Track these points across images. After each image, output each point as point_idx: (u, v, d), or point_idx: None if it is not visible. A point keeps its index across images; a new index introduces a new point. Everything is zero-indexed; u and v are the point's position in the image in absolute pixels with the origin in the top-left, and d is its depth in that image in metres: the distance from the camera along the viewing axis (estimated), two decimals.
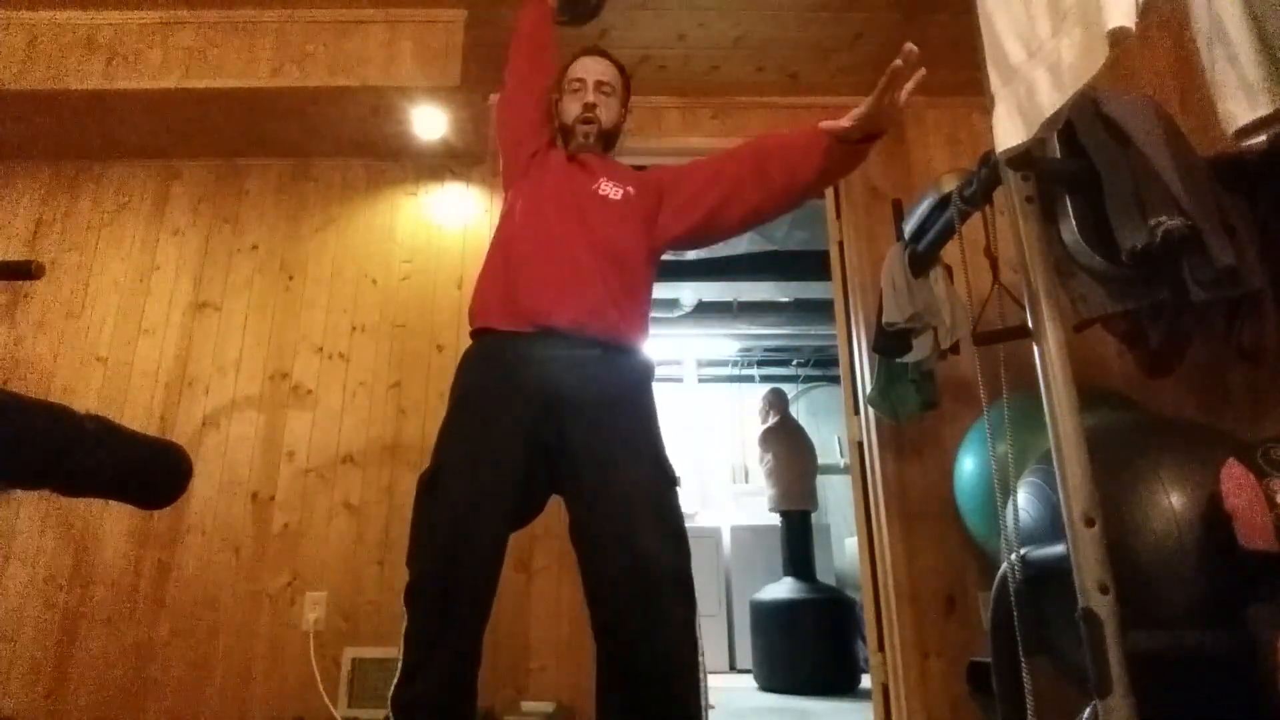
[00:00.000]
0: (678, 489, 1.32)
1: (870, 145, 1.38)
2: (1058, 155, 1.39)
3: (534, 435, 1.29)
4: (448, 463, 1.29)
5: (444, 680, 1.19)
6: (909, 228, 2.06)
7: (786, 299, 4.98)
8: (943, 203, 1.83)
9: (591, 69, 1.53)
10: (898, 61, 1.21)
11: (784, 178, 1.39)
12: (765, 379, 6.35)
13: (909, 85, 1.27)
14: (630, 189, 1.47)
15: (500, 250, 1.45)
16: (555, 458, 1.30)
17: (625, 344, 1.37)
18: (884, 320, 2.05)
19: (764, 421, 4.68)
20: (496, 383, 1.32)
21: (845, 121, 1.33)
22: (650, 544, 1.21)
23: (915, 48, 1.19)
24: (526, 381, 1.30)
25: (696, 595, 1.26)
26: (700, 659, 1.23)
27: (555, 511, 1.47)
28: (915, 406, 2.15)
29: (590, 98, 1.50)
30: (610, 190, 1.45)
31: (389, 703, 1.19)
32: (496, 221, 2.55)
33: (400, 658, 1.21)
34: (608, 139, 1.54)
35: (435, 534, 1.24)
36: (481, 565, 1.23)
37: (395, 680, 1.20)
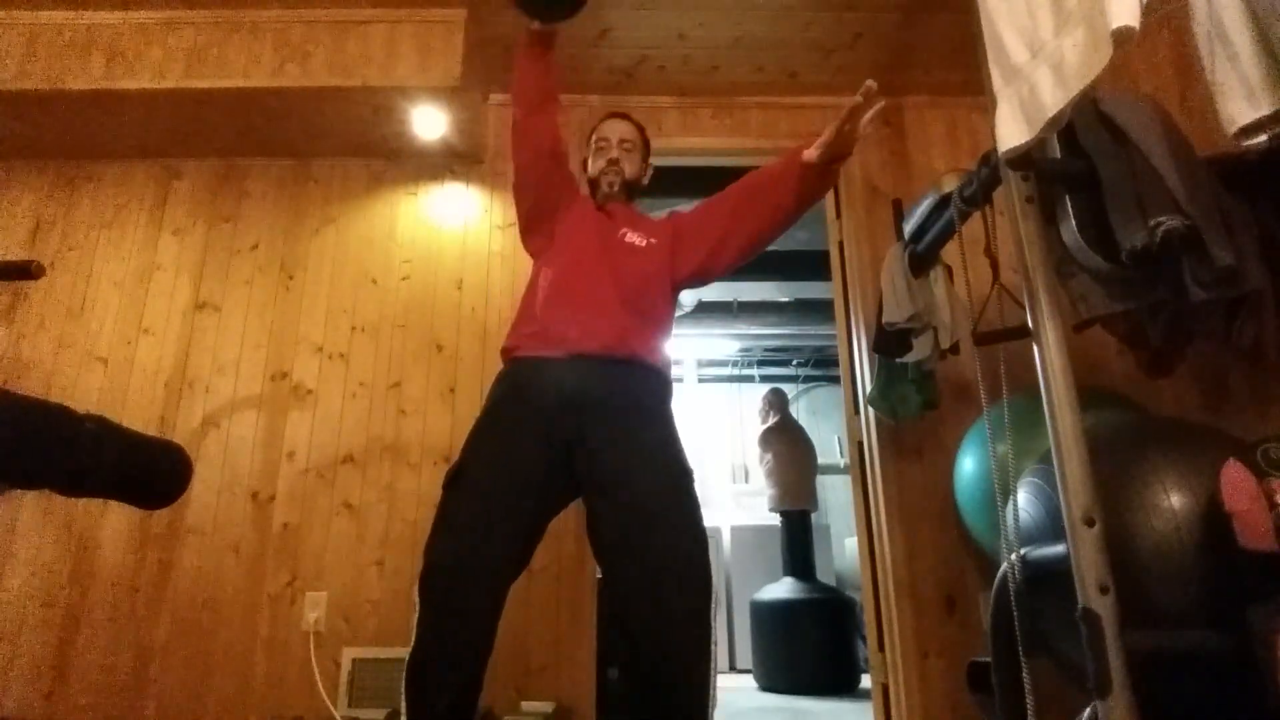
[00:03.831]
0: (691, 478, 1.39)
1: (839, 166, 1.52)
2: (1058, 155, 1.39)
3: (555, 434, 1.37)
4: (471, 459, 1.37)
5: (452, 669, 1.24)
6: (909, 228, 2.06)
7: (786, 299, 4.98)
8: (943, 203, 1.83)
9: (615, 129, 1.72)
10: (858, 98, 1.36)
11: (769, 207, 1.54)
12: (765, 379, 6.35)
13: (869, 115, 1.40)
14: (653, 240, 1.61)
15: (534, 293, 1.56)
16: (575, 456, 1.37)
17: (646, 361, 1.48)
18: (884, 320, 2.06)
19: (764, 421, 4.68)
20: (523, 391, 1.43)
21: (813, 152, 1.46)
22: (666, 536, 1.27)
23: (874, 84, 1.34)
24: (550, 387, 1.40)
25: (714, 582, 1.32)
26: (713, 648, 1.26)
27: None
28: (915, 406, 2.15)
29: (614, 154, 1.68)
30: (635, 239, 1.60)
31: (404, 682, 1.25)
32: (496, 221, 2.59)
33: (411, 642, 1.26)
34: (630, 189, 1.70)
35: (453, 525, 1.31)
36: (497, 557, 1.29)
37: (407, 662, 1.25)
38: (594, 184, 1.70)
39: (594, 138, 1.73)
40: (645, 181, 1.75)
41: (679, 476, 1.37)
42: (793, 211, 1.53)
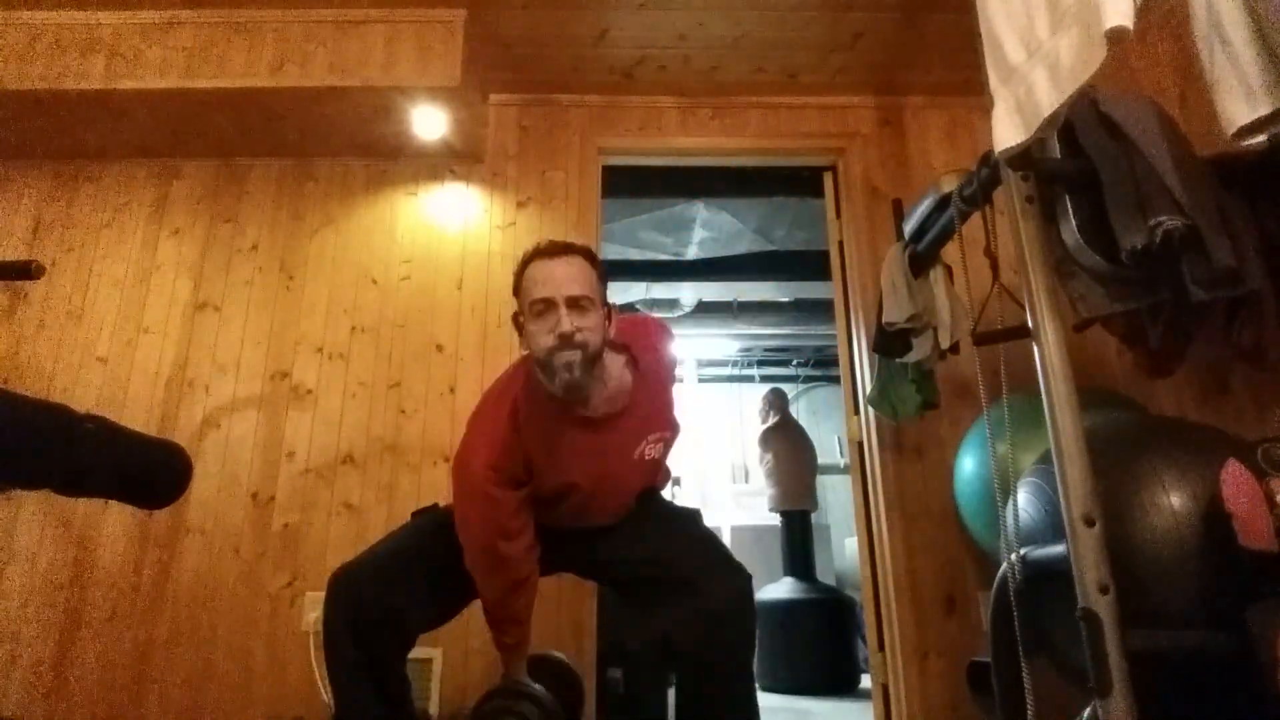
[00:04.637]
0: (698, 515, 1.44)
1: None
2: (1058, 155, 1.39)
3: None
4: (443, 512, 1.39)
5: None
6: (909, 228, 2.06)
7: (786, 299, 4.98)
8: (943, 203, 1.83)
9: (555, 279, 1.22)
10: None
11: None
12: (765, 379, 6.35)
13: None
14: (666, 435, 1.37)
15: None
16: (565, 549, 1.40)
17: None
18: (884, 320, 2.05)
19: (764, 421, 4.68)
20: None
21: None
22: (671, 546, 1.34)
23: None
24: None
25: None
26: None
27: None
28: (915, 406, 2.15)
29: (565, 325, 1.19)
30: (650, 450, 1.34)
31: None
32: (496, 221, 2.59)
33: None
34: (595, 361, 1.25)
35: (396, 542, 1.37)
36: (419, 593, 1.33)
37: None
38: (544, 368, 1.23)
39: (527, 298, 1.25)
40: (611, 338, 1.30)
41: (681, 517, 1.42)
42: None
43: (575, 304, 1.21)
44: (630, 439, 1.30)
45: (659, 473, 1.47)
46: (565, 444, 1.26)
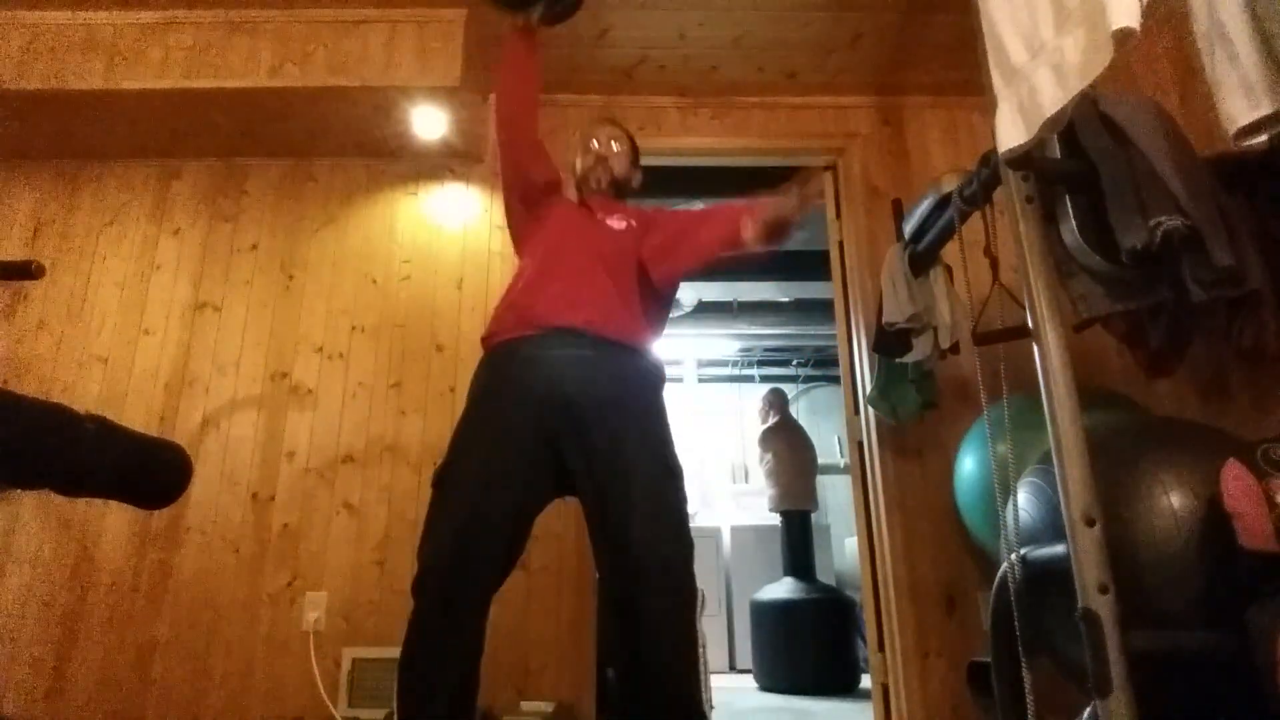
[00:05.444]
0: (680, 480, 1.37)
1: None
2: (1058, 155, 1.39)
3: (542, 428, 1.35)
4: (459, 456, 1.36)
5: (445, 669, 1.23)
6: (909, 228, 2.06)
7: (786, 299, 4.98)
8: (943, 203, 1.83)
9: (604, 131, 1.74)
10: (806, 191, 1.45)
11: (704, 249, 1.55)
12: (765, 379, 6.35)
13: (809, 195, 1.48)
14: (632, 222, 1.62)
15: (516, 282, 1.56)
16: (564, 452, 1.36)
17: (633, 344, 1.44)
18: (884, 320, 2.06)
19: (764, 421, 4.68)
20: (507, 381, 1.40)
21: (750, 234, 1.46)
22: (645, 534, 1.27)
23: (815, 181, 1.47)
24: (536, 378, 1.37)
25: (696, 586, 1.33)
26: (700, 650, 1.26)
27: (554, 513, 1.47)
28: (915, 406, 2.15)
29: (602, 151, 1.70)
30: (614, 222, 1.61)
31: (396, 682, 1.23)
32: (496, 221, 2.59)
33: (402, 645, 1.25)
34: (618, 187, 1.70)
35: (446, 524, 1.29)
36: (486, 559, 1.28)
37: (399, 662, 1.24)
38: (581, 181, 1.70)
39: (581, 139, 1.75)
40: (635, 185, 1.75)
41: (665, 479, 1.34)
42: (722, 256, 1.54)
43: (611, 145, 1.70)
44: (598, 211, 1.62)
45: (620, 254, 1.54)
46: (565, 205, 1.66)
